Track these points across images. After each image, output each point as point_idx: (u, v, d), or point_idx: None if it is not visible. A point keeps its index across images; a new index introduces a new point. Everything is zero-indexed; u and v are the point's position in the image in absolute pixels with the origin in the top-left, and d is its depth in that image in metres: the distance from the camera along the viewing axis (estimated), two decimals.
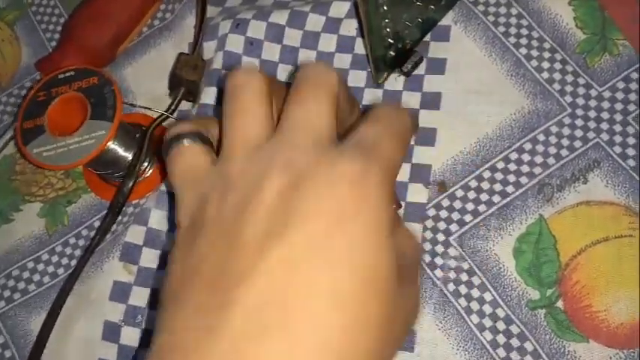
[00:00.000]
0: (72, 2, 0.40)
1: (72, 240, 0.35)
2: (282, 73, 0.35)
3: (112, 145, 0.32)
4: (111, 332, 0.32)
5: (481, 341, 0.28)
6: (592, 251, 0.28)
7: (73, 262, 0.35)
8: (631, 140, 0.30)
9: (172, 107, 0.34)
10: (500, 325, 0.28)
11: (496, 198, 0.30)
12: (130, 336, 0.32)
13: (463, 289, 0.29)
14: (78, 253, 0.35)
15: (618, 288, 0.28)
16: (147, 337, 0.31)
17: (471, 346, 0.28)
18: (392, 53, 0.31)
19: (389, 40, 0.30)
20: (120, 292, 0.32)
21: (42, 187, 0.37)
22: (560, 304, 0.28)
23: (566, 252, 0.29)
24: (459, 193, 0.30)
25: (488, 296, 0.29)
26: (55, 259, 0.35)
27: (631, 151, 0.30)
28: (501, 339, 0.28)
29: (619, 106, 0.30)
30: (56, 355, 0.32)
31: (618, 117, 0.30)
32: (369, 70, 0.33)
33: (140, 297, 0.32)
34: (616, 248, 0.28)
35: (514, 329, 0.28)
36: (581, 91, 0.31)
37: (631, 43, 0.31)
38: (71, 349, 0.32)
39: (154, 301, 0.32)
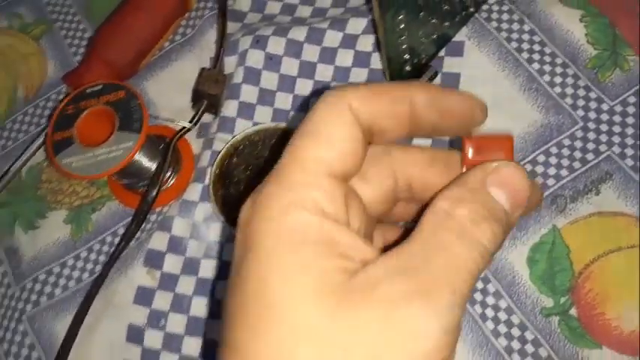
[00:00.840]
0: (97, 18, 0.42)
1: (96, 246, 0.36)
2: (301, 87, 0.36)
3: (138, 157, 0.33)
4: (135, 335, 0.33)
5: (496, 347, 0.29)
6: (605, 261, 0.29)
7: (98, 268, 0.36)
8: None
9: (195, 120, 0.36)
10: (515, 332, 0.29)
11: None
12: (153, 339, 0.33)
13: (478, 297, 0.30)
14: (102, 258, 0.36)
15: (631, 296, 0.28)
16: (169, 341, 0.32)
17: (486, 351, 0.29)
18: (408, 68, 0.33)
19: (405, 55, 0.32)
20: (143, 297, 0.33)
21: (67, 195, 0.38)
22: (573, 311, 0.29)
23: (580, 261, 0.29)
24: None
25: (503, 303, 0.30)
26: (80, 264, 0.36)
27: None
28: (516, 345, 0.29)
29: (630, 120, 0.31)
30: (82, 356, 0.33)
31: (630, 130, 0.31)
32: None
33: (163, 301, 0.33)
34: (628, 258, 0.29)
35: (528, 335, 0.29)
36: (592, 105, 0.32)
37: None
38: (96, 351, 0.33)
39: (177, 305, 0.33)
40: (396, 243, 0.16)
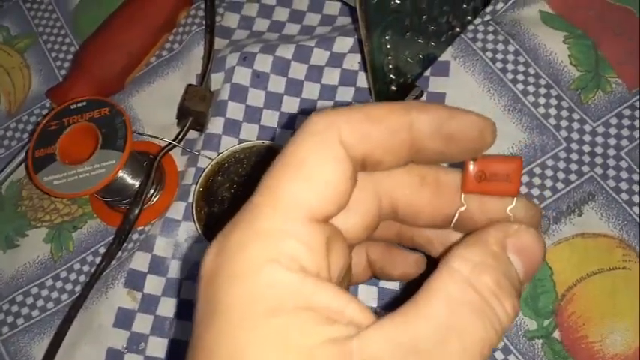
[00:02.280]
0: (82, 32, 0.42)
1: (77, 265, 0.36)
2: (287, 104, 0.36)
3: (121, 174, 0.33)
4: (114, 359, 0.32)
5: None
6: (587, 283, 0.29)
7: (78, 288, 0.35)
8: (624, 174, 0.31)
9: (180, 136, 0.35)
10: (499, 355, 0.29)
11: None
12: None
13: None
14: (83, 278, 0.35)
15: (613, 319, 0.28)
16: None
17: None
18: (394, 87, 0.33)
19: (391, 75, 0.32)
20: (124, 319, 0.33)
21: (48, 213, 0.38)
22: (556, 334, 0.29)
23: (562, 283, 0.29)
24: None
25: None
26: (59, 284, 0.35)
27: (624, 185, 0.31)
28: None
29: (612, 142, 0.32)
30: None
31: (611, 152, 0.31)
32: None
33: (144, 324, 0.32)
34: (610, 280, 0.29)
35: (512, 359, 0.29)
36: (575, 126, 0.32)
37: (623, 81, 0.33)
38: None
39: (157, 328, 0.32)
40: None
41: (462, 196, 0.16)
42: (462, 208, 0.17)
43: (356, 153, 0.14)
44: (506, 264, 0.15)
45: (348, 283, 0.18)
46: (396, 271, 0.19)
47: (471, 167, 0.16)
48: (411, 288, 0.15)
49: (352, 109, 0.14)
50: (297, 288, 0.13)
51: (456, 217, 0.17)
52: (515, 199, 0.16)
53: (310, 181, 0.14)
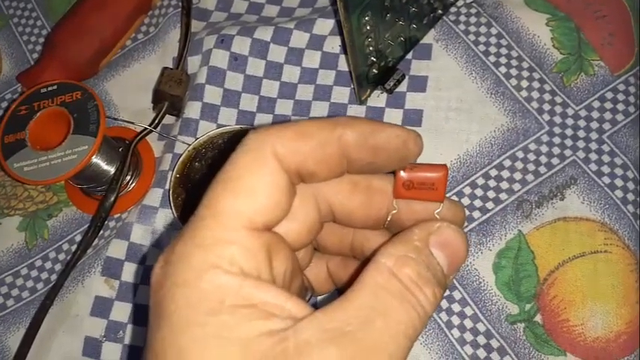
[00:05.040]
0: (55, 14, 0.40)
1: (52, 254, 0.35)
2: (267, 88, 0.35)
3: (95, 160, 0.32)
4: (92, 348, 0.31)
5: (462, 355, 0.29)
6: (569, 266, 0.29)
7: (54, 277, 0.34)
8: (606, 158, 0.31)
9: (156, 121, 0.34)
10: (481, 340, 0.29)
11: (476, 214, 0.31)
12: (112, 352, 0.31)
13: (444, 304, 0.29)
14: (58, 267, 0.34)
15: (594, 302, 0.28)
16: (128, 353, 0.31)
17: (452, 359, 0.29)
18: (375, 71, 0.32)
19: (372, 57, 0.31)
20: (101, 308, 0.32)
21: (22, 201, 0.36)
22: (538, 318, 0.29)
23: (544, 267, 0.29)
24: None
25: (468, 311, 0.29)
26: (34, 273, 0.35)
27: (606, 169, 0.30)
28: (482, 353, 0.28)
29: (594, 125, 0.31)
30: None
31: (594, 135, 0.31)
32: (352, 87, 0.33)
33: (122, 312, 0.32)
34: (592, 263, 0.29)
35: (494, 343, 0.29)
36: (558, 109, 0.32)
37: (605, 64, 0.32)
38: None
39: (136, 317, 0.32)
40: (344, 281, 0.15)
41: (394, 201, 0.18)
42: (394, 211, 0.18)
43: (289, 166, 0.16)
44: (428, 257, 0.16)
45: (310, 294, 0.21)
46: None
47: (402, 174, 0.18)
48: None
49: (284, 127, 0.16)
50: (236, 289, 0.14)
51: (388, 219, 0.19)
52: (441, 203, 0.18)
53: (247, 193, 0.15)
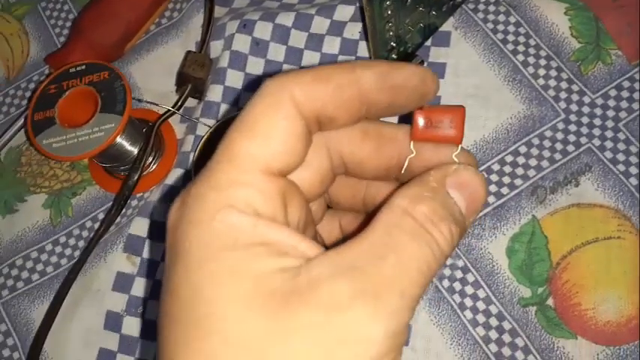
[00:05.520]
0: None
1: (76, 231, 0.36)
2: None
3: (120, 139, 0.33)
4: (113, 322, 0.32)
5: (474, 336, 0.29)
6: (582, 252, 0.29)
7: (77, 253, 0.35)
8: (621, 146, 0.31)
9: (179, 104, 0.35)
10: (493, 322, 0.29)
11: (491, 199, 0.31)
12: (132, 326, 0.32)
13: (457, 286, 0.30)
14: (82, 244, 0.35)
15: (606, 287, 0.29)
16: (148, 327, 0.32)
17: (464, 341, 0.29)
18: (394, 56, 0.33)
19: (391, 43, 0.32)
20: (123, 283, 0.33)
21: (47, 179, 0.38)
22: (550, 301, 0.29)
23: (557, 252, 0.30)
24: None
25: (481, 293, 0.30)
26: (58, 249, 0.36)
27: (621, 157, 0.31)
28: (494, 334, 0.29)
29: (611, 113, 0.32)
30: (58, 344, 0.33)
31: (610, 123, 0.31)
32: None
33: (143, 288, 0.33)
34: (605, 249, 0.29)
35: (506, 325, 0.29)
36: (574, 97, 0.32)
37: (623, 53, 0.32)
38: (73, 338, 0.33)
39: (156, 292, 0.33)
40: (355, 233, 0.15)
41: (412, 143, 0.18)
42: (412, 155, 0.18)
43: (308, 111, 0.15)
44: (444, 196, 0.16)
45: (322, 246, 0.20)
46: None
47: (418, 116, 0.17)
48: None
49: (302, 72, 0.15)
50: (250, 227, 0.14)
51: (406, 164, 0.18)
52: (459, 145, 0.17)
53: (263, 137, 0.15)
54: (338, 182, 0.19)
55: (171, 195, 0.34)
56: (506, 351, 0.29)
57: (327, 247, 0.22)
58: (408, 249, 0.14)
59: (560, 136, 0.32)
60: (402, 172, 0.18)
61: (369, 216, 0.20)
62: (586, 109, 0.32)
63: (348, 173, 0.19)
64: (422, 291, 0.14)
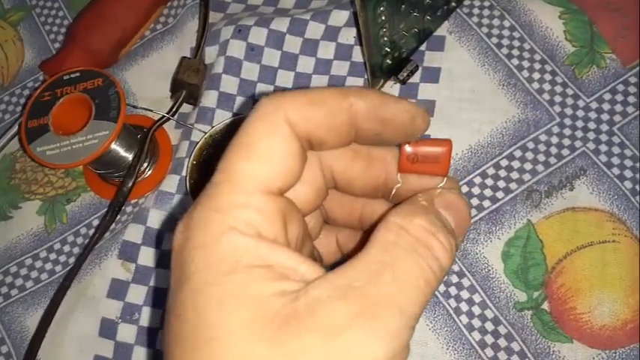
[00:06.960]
0: (76, 5, 0.41)
1: (70, 238, 0.36)
2: (282, 78, 0.36)
3: (114, 146, 0.33)
4: (108, 329, 0.32)
5: (470, 341, 0.29)
6: (577, 255, 0.29)
7: (71, 260, 0.35)
8: (616, 149, 0.31)
9: (173, 109, 0.35)
10: (489, 326, 0.29)
11: (486, 203, 0.31)
12: (127, 333, 0.32)
13: (453, 291, 0.30)
14: (76, 250, 0.35)
15: (601, 291, 0.29)
16: (143, 335, 0.32)
17: (460, 345, 0.29)
18: (388, 61, 0.33)
19: (386, 48, 0.32)
20: (117, 290, 0.33)
21: (42, 186, 0.38)
22: (546, 305, 0.29)
23: (553, 256, 0.30)
24: None
25: (477, 298, 0.30)
26: (53, 256, 0.36)
27: (616, 160, 0.31)
28: (489, 339, 0.29)
29: (605, 117, 0.32)
30: (53, 351, 0.33)
31: (604, 127, 0.31)
32: (366, 77, 0.34)
33: (137, 294, 0.33)
34: (600, 253, 0.29)
35: (502, 330, 0.29)
36: (569, 101, 0.32)
37: (617, 56, 0.32)
38: (68, 346, 0.33)
39: (151, 299, 0.33)
40: (355, 252, 0.15)
41: (398, 175, 0.18)
42: (398, 185, 0.18)
43: (301, 132, 0.16)
44: (436, 212, 0.17)
45: (320, 261, 0.21)
46: None
47: (407, 148, 0.18)
48: None
49: (297, 93, 0.16)
50: (252, 249, 0.14)
51: (393, 192, 0.19)
52: (445, 178, 0.18)
53: (262, 157, 0.15)
54: (335, 201, 0.20)
55: (164, 201, 0.34)
56: (502, 355, 0.29)
57: (324, 262, 0.22)
58: (405, 265, 0.14)
59: (554, 140, 0.32)
60: (390, 198, 0.19)
61: (366, 233, 0.20)
62: (580, 113, 0.32)
63: (338, 188, 0.19)
64: (422, 307, 0.14)
